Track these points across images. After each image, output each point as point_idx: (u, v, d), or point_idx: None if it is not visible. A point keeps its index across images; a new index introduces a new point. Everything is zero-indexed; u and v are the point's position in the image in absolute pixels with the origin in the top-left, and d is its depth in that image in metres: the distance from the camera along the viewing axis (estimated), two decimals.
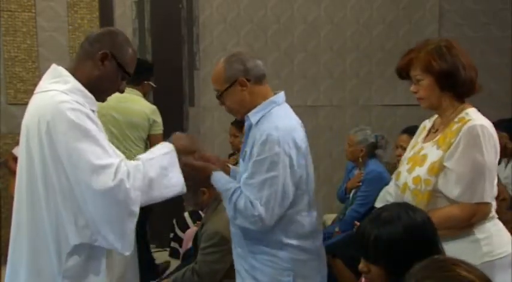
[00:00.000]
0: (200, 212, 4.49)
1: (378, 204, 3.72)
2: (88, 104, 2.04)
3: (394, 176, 2.35)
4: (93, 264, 2.03)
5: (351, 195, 4.24)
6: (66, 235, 1.96)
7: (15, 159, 4.27)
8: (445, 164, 2.13)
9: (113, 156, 1.97)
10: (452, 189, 2.12)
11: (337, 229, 4.10)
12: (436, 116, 2.35)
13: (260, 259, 2.31)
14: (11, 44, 5.04)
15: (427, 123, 2.40)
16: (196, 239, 3.26)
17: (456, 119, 2.20)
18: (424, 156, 2.21)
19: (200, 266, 3.01)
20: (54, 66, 2.13)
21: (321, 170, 5.77)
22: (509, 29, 5.84)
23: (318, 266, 2.43)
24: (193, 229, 4.49)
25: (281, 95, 2.36)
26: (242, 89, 2.27)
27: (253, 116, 2.28)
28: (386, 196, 3.68)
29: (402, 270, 1.47)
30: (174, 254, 4.80)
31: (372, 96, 5.75)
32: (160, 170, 2.07)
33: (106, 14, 5.20)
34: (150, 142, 4.05)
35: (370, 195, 4.01)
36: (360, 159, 4.16)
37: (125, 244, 1.98)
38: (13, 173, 4.26)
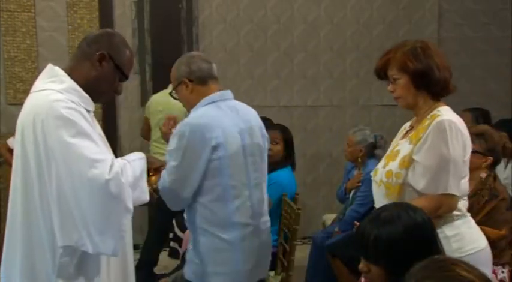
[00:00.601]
0: None
1: (378, 204, 3.72)
2: (83, 103, 2.04)
3: (372, 174, 2.44)
4: (89, 263, 2.02)
5: (351, 195, 4.24)
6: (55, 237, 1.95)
7: (10, 150, 4.33)
8: (413, 157, 2.21)
9: (106, 153, 1.99)
10: (418, 181, 2.20)
11: (336, 229, 4.09)
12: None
13: (191, 241, 2.62)
14: (11, 44, 5.04)
15: (407, 125, 2.49)
16: None
17: (428, 116, 2.29)
18: (398, 152, 2.31)
19: None
20: (50, 66, 2.13)
21: (320, 170, 5.77)
22: (509, 29, 5.84)
23: (231, 258, 2.54)
24: None
25: (219, 94, 2.61)
26: (186, 88, 2.61)
27: (190, 112, 2.61)
28: None
29: (402, 270, 1.47)
30: (173, 254, 4.80)
31: (371, 96, 5.75)
32: (140, 172, 2.10)
33: (105, 14, 5.20)
34: None
35: (369, 195, 3.96)
36: (359, 160, 4.16)
37: (117, 247, 1.96)
38: (9, 164, 4.30)
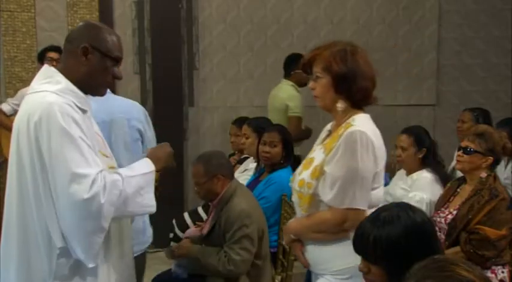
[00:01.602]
0: (200, 211, 4.49)
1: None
2: (80, 103, 2.02)
3: (291, 179, 2.38)
4: (82, 270, 2.01)
5: None
6: (53, 237, 1.95)
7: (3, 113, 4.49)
8: (324, 168, 2.16)
9: (92, 167, 1.93)
10: (326, 193, 2.15)
11: None
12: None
13: None
14: (11, 44, 5.04)
15: (328, 126, 2.41)
16: (210, 234, 3.20)
17: (344, 124, 2.21)
18: (312, 160, 2.25)
19: (235, 254, 2.96)
20: (46, 66, 2.12)
21: None
22: (509, 29, 5.84)
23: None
24: (192, 229, 4.48)
25: None
26: None
27: None
28: (386, 196, 3.67)
29: (402, 270, 1.47)
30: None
31: None
32: (137, 189, 2.05)
33: (106, 14, 5.20)
34: (288, 122, 4.66)
35: None
36: None
37: (88, 257, 1.96)
38: (4, 127, 4.34)
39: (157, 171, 2.15)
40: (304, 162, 2.33)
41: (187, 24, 5.44)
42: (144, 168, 2.12)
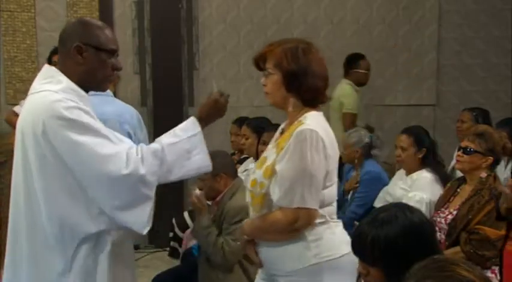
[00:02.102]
0: (186, 217, 4.54)
1: (377, 204, 3.72)
2: (82, 102, 2.01)
3: (245, 179, 2.37)
4: (98, 260, 2.03)
5: (349, 196, 4.23)
6: (74, 228, 1.95)
7: (17, 115, 4.42)
8: (275, 167, 2.13)
9: (118, 144, 1.97)
10: (275, 192, 2.12)
11: None
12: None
13: None
14: (11, 44, 5.04)
15: (283, 125, 2.37)
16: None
17: (296, 122, 2.18)
18: (265, 159, 2.23)
19: (226, 244, 3.02)
20: (46, 66, 2.12)
21: None
22: (509, 29, 5.84)
23: None
24: None
25: None
26: None
27: None
28: (386, 196, 3.67)
29: (401, 271, 1.46)
30: (173, 254, 4.79)
31: (371, 96, 5.74)
32: (183, 152, 2.06)
33: (106, 14, 5.20)
34: (342, 119, 4.96)
35: (368, 196, 3.99)
36: (356, 161, 4.15)
37: (141, 226, 2.00)
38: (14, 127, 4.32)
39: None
40: (258, 161, 2.31)
41: (187, 24, 5.44)
42: (190, 131, 2.12)
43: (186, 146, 2.07)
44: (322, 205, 2.16)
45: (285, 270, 2.18)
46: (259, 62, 2.26)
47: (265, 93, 2.24)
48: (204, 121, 2.18)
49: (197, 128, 2.13)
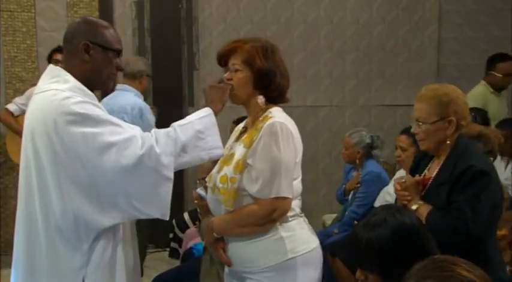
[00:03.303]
0: (186, 218, 4.54)
1: (378, 204, 3.72)
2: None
3: (207, 179, 2.37)
4: (115, 253, 2.06)
5: (350, 196, 4.24)
6: (89, 224, 1.96)
7: (11, 114, 4.52)
8: (247, 160, 2.16)
9: (131, 129, 2.00)
10: (253, 185, 2.14)
11: (336, 230, 4.09)
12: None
13: None
14: (11, 44, 5.04)
15: (241, 125, 2.42)
16: None
17: (261, 118, 2.23)
18: (232, 155, 2.24)
19: None
20: (51, 66, 2.13)
21: (320, 170, 5.77)
22: (509, 29, 5.84)
23: None
24: (192, 229, 4.49)
25: None
26: None
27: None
28: (386, 196, 3.68)
29: (398, 274, 1.47)
30: (173, 254, 4.80)
31: (371, 96, 5.74)
32: (195, 133, 2.08)
33: (106, 14, 5.20)
34: None
35: (368, 196, 4.00)
36: (357, 161, 4.15)
37: (163, 212, 2.02)
38: (14, 131, 4.33)
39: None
40: (221, 160, 2.28)
41: (187, 24, 5.44)
42: (200, 113, 2.14)
43: (198, 126, 2.09)
44: (292, 197, 2.19)
45: (258, 267, 2.18)
46: (222, 59, 2.28)
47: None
48: (213, 106, 2.19)
49: (208, 111, 2.16)
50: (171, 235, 4.85)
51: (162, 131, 2.05)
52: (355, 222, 3.79)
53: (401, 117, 5.66)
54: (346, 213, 4.17)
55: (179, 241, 4.66)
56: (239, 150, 2.21)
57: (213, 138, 2.13)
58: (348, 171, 4.42)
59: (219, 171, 2.25)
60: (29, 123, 2.02)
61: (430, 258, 1.41)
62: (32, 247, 2.02)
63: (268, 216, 2.14)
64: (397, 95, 5.77)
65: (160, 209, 2.01)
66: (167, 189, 2.00)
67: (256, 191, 2.13)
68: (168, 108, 5.28)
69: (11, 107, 4.58)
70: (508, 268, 2.92)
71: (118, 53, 2.11)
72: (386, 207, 1.93)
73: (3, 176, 4.87)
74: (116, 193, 1.95)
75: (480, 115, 4.52)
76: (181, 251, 4.45)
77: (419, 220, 1.84)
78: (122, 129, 1.97)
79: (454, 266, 1.33)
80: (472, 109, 4.65)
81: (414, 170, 2.62)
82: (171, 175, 2.01)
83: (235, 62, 2.23)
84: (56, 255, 1.98)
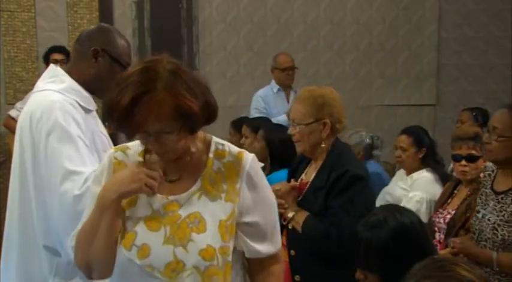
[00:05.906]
0: None
1: (378, 204, 3.72)
2: (84, 103, 2.03)
3: (130, 254, 1.79)
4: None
5: None
6: (59, 234, 1.93)
7: (13, 119, 4.45)
8: (244, 220, 1.64)
9: (87, 166, 1.91)
10: (261, 246, 1.66)
11: None
12: None
13: None
14: (11, 44, 5.04)
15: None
16: None
17: (212, 155, 1.74)
18: (198, 217, 1.59)
19: None
20: (52, 66, 2.15)
21: None
22: (509, 29, 5.84)
23: None
24: None
25: None
26: None
27: None
28: (386, 196, 3.67)
29: (398, 274, 1.46)
30: None
31: (371, 96, 5.74)
32: None
33: (106, 14, 5.20)
34: None
35: None
36: None
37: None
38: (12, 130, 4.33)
39: None
40: (178, 231, 1.56)
41: (187, 24, 5.44)
42: None
43: None
44: None
45: None
46: None
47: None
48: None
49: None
50: None
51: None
52: None
53: (401, 117, 5.66)
54: None
55: None
56: (216, 208, 1.61)
57: None
58: None
59: (185, 246, 1.55)
60: (19, 121, 2.05)
61: (430, 258, 1.41)
62: (8, 245, 2.04)
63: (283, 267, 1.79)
64: (397, 95, 5.77)
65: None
66: None
67: (268, 250, 1.67)
68: None
69: (13, 112, 4.61)
70: None
71: (125, 67, 2.08)
72: (386, 208, 1.93)
73: (3, 176, 4.87)
74: (52, 217, 1.90)
75: (481, 115, 4.53)
76: None
77: (420, 220, 1.84)
78: (80, 160, 1.90)
79: (454, 266, 1.32)
80: (473, 109, 4.67)
81: (293, 173, 2.56)
82: None
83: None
84: (27, 257, 1.99)
